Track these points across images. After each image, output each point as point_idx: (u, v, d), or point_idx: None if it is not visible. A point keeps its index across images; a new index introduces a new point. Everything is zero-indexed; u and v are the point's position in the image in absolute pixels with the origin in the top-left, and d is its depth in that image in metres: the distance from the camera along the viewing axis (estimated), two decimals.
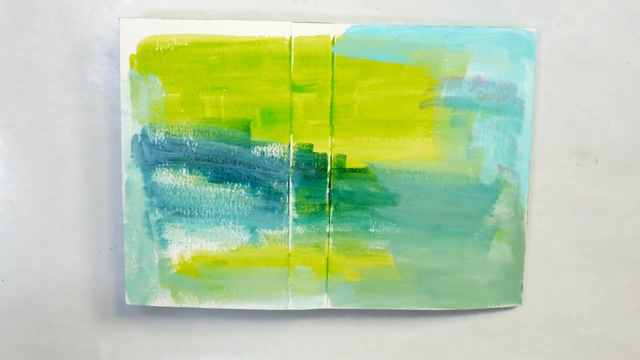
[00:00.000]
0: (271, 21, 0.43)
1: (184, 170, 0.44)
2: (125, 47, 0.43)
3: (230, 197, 0.45)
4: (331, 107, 0.44)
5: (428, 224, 0.45)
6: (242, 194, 0.44)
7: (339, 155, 0.44)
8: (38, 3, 0.45)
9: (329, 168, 0.45)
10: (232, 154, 0.44)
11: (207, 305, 0.46)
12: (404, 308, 0.46)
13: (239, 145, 0.44)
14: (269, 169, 0.44)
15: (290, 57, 0.43)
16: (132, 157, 0.44)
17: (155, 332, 0.49)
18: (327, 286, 0.46)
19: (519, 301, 0.46)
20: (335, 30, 0.44)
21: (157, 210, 0.45)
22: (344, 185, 0.45)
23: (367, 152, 0.45)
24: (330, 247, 0.46)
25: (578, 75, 0.46)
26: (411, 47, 0.44)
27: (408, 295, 0.46)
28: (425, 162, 0.45)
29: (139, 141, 0.44)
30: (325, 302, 0.46)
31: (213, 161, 0.44)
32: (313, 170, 0.44)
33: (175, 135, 0.44)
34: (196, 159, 0.44)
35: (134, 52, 0.43)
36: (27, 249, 0.48)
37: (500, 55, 0.44)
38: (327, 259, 0.46)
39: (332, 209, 0.45)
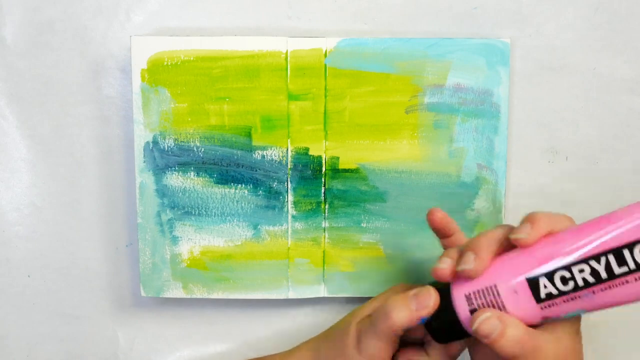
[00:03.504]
0: (269, 36, 0.44)
1: (192, 173, 0.45)
2: (137, 62, 0.44)
3: (235, 197, 0.46)
4: (325, 113, 0.45)
5: (415, 218, 0.46)
6: (245, 194, 0.46)
7: (332, 157, 0.46)
8: (57, 24, 0.46)
9: (323, 169, 0.46)
10: (235, 157, 0.45)
11: (214, 295, 0.47)
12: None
13: (242, 149, 0.45)
14: (269, 171, 0.45)
15: (286, 69, 0.44)
16: (144, 162, 0.45)
17: (168, 321, 0.50)
18: (324, 276, 0.47)
19: None
20: (327, 43, 0.44)
21: (168, 210, 0.46)
22: (337, 185, 0.46)
23: (358, 154, 0.45)
24: (326, 241, 0.46)
25: (548, 81, 0.47)
26: (396, 57, 0.44)
27: (397, 283, 0.45)
28: (411, 162, 0.46)
29: (151, 148, 0.45)
30: (322, 291, 0.47)
31: (218, 165, 0.45)
32: (309, 172, 0.46)
33: (183, 141, 0.45)
34: (203, 163, 0.45)
35: (145, 66, 0.44)
36: (51, 248, 0.48)
37: (478, 64, 0.44)
38: (324, 251, 0.47)
39: (327, 206, 0.46)
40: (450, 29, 0.46)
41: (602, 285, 0.33)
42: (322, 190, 0.46)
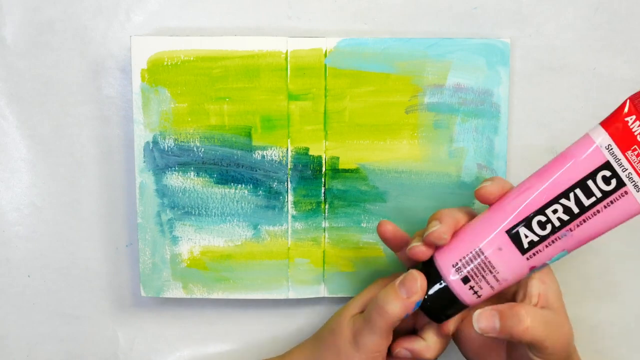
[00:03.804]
0: (269, 36, 0.44)
1: (192, 173, 0.45)
2: (137, 62, 0.44)
3: (235, 197, 0.46)
4: (325, 113, 0.45)
5: (415, 218, 0.46)
6: (245, 194, 0.46)
7: (332, 157, 0.46)
8: (57, 24, 0.46)
9: (323, 169, 0.46)
10: (235, 158, 0.45)
11: (214, 295, 0.47)
12: None
13: (242, 149, 0.45)
14: (269, 171, 0.46)
15: (286, 69, 0.44)
16: (144, 162, 0.45)
17: (168, 321, 0.49)
18: (324, 276, 0.47)
19: None
20: (327, 43, 0.44)
21: (168, 210, 0.46)
22: (337, 185, 0.46)
23: (358, 154, 0.46)
24: (326, 241, 0.46)
25: (548, 81, 0.47)
26: (396, 58, 0.44)
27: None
28: (411, 162, 0.46)
29: (151, 148, 0.45)
30: (322, 291, 0.47)
31: (218, 165, 0.45)
32: (309, 172, 0.46)
33: (183, 141, 0.45)
34: (203, 163, 0.45)
35: (145, 66, 0.44)
36: (51, 248, 0.48)
37: (478, 64, 0.45)
38: (324, 251, 0.47)
39: (327, 206, 0.46)
40: (450, 29, 0.46)
41: (577, 221, 0.35)
42: (322, 190, 0.46)
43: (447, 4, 0.46)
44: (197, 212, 0.46)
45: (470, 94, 0.45)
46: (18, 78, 0.47)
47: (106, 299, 0.49)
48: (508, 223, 0.36)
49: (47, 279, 0.49)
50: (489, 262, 0.36)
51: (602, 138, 0.35)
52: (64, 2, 0.46)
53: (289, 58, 0.44)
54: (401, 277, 0.37)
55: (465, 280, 0.36)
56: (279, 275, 0.47)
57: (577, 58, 0.47)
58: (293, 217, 0.46)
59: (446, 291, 0.37)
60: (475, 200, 0.45)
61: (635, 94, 0.35)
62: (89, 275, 0.49)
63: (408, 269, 0.38)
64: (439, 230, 0.36)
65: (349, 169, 0.46)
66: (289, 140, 0.45)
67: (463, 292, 0.36)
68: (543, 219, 0.35)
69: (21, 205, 0.48)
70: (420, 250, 0.37)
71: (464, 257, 0.36)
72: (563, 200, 0.35)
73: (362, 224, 0.46)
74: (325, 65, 0.45)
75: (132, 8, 0.46)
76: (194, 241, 0.46)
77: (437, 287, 0.37)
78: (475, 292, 0.37)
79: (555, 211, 0.35)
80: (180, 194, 0.46)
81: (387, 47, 0.45)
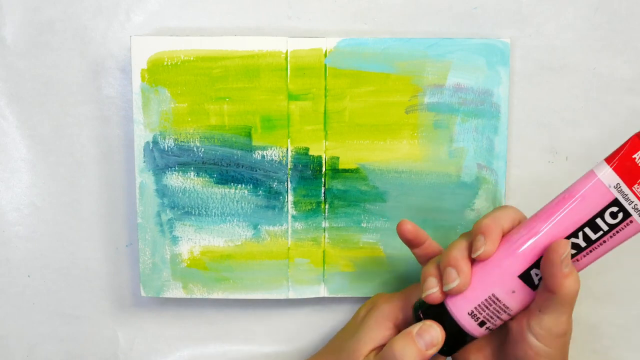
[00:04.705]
0: (268, 36, 0.44)
1: (192, 173, 0.45)
2: (137, 62, 0.44)
3: (235, 197, 0.46)
4: (325, 113, 0.45)
5: (415, 218, 0.46)
6: (245, 194, 0.46)
7: (332, 157, 0.46)
8: (57, 24, 0.46)
9: (323, 169, 0.46)
10: (235, 158, 0.45)
11: (214, 295, 0.47)
12: None
13: (242, 149, 0.45)
14: (269, 171, 0.46)
15: (286, 69, 0.44)
16: (144, 162, 0.45)
17: (168, 321, 0.50)
18: (324, 276, 0.47)
19: None
20: (327, 43, 0.44)
21: (168, 210, 0.46)
22: (337, 185, 0.46)
23: (358, 154, 0.46)
24: (326, 241, 0.46)
25: (548, 81, 0.47)
26: (396, 57, 0.44)
27: (398, 283, 0.47)
28: (411, 162, 0.46)
29: (151, 148, 0.45)
30: (322, 291, 0.47)
31: (218, 165, 0.45)
32: (309, 172, 0.46)
33: (183, 141, 0.45)
34: (203, 163, 0.45)
35: (145, 66, 0.44)
36: (51, 248, 0.48)
37: (478, 64, 0.45)
38: (324, 251, 0.47)
39: (327, 206, 0.46)
40: (450, 29, 0.46)
41: (583, 253, 0.36)
42: (322, 190, 0.46)
43: (447, 4, 0.46)
44: (197, 212, 0.46)
45: (470, 94, 0.45)
46: (18, 78, 0.47)
47: (106, 299, 0.49)
48: (520, 269, 0.36)
49: (47, 279, 0.49)
50: (504, 305, 0.36)
51: (611, 178, 0.35)
52: (64, 2, 0.46)
53: (289, 58, 0.44)
54: (419, 328, 0.37)
55: (482, 324, 0.37)
56: (279, 275, 0.47)
57: (577, 58, 0.47)
58: (293, 217, 0.46)
59: (461, 334, 0.37)
60: (475, 201, 0.46)
61: None
62: (89, 275, 0.49)
63: (423, 280, 0.38)
64: (461, 284, 0.36)
65: (349, 169, 0.46)
66: (289, 140, 0.45)
67: (478, 333, 0.37)
68: None
69: (21, 205, 0.48)
70: (436, 297, 0.37)
71: (480, 305, 0.37)
72: (572, 239, 0.36)
73: (362, 224, 0.47)
74: (325, 65, 0.45)
75: (132, 8, 0.46)
76: (194, 241, 0.46)
77: (453, 333, 0.37)
78: (488, 328, 0.37)
79: None
80: (180, 194, 0.46)
81: (387, 47, 0.45)
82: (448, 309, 0.37)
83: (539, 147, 0.48)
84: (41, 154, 0.48)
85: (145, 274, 0.46)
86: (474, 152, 0.46)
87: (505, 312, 0.36)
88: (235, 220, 0.46)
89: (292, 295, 0.47)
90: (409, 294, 0.42)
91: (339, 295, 0.48)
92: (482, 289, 0.36)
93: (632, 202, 0.35)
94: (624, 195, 0.35)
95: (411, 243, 0.41)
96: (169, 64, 0.44)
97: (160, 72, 0.44)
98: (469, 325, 0.37)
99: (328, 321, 0.50)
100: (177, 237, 0.46)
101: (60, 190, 0.48)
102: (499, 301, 0.36)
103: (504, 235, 0.37)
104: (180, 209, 0.46)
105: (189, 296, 0.47)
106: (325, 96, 0.45)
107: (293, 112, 0.45)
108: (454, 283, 0.36)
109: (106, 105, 0.47)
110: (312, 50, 0.45)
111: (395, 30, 0.46)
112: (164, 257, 0.46)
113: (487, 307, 0.36)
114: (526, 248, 0.36)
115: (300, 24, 0.46)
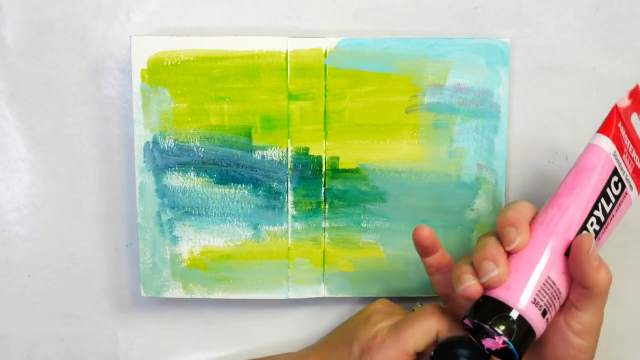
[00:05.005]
0: (268, 36, 0.44)
1: (192, 173, 0.45)
2: (137, 62, 0.44)
3: (235, 197, 0.46)
4: (325, 113, 0.45)
5: (415, 218, 0.46)
6: (245, 194, 0.46)
7: (332, 157, 0.46)
8: (57, 24, 0.46)
9: (323, 169, 0.46)
10: (235, 158, 0.45)
11: (214, 295, 0.47)
12: (394, 295, 0.47)
13: (242, 150, 0.45)
14: (269, 171, 0.46)
15: (286, 69, 0.44)
16: (144, 162, 0.45)
17: (168, 321, 0.50)
18: (324, 276, 0.47)
19: None
20: (327, 43, 0.44)
21: (168, 210, 0.46)
22: (337, 185, 0.46)
23: (358, 154, 0.46)
24: (326, 241, 0.46)
25: (548, 81, 0.47)
26: (396, 58, 0.44)
27: (398, 283, 0.47)
28: (411, 162, 0.46)
29: (151, 148, 0.45)
30: (322, 291, 0.47)
31: (218, 165, 0.45)
32: (309, 172, 0.46)
33: (183, 141, 0.45)
34: (203, 163, 0.45)
35: (145, 66, 0.44)
36: (51, 248, 0.48)
37: (478, 64, 0.45)
38: (324, 251, 0.47)
39: (327, 206, 0.46)
40: (450, 29, 0.46)
41: (603, 229, 0.37)
42: (322, 190, 0.46)
43: (447, 4, 0.46)
44: (197, 212, 0.46)
45: (470, 94, 0.45)
46: (18, 78, 0.47)
47: (106, 299, 0.49)
48: (565, 245, 0.36)
49: (47, 279, 0.49)
50: (557, 289, 0.35)
51: (610, 147, 0.36)
52: (64, 2, 0.46)
53: (289, 58, 0.44)
54: None
55: (544, 313, 0.35)
56: (279, 275, 0.47)
57: (577, 58, 0.47)
58: (293, 217, 0.46)
59: (529, 330, 0.35)
60: (475, 201, 0.46)
61: (621, 99, 0.37)
62: (89, 275, 0.49)
63: (456, 278, 0.36)
64: (503, 272, 0.34)
65: (349, 169, 0.46)
66: (289, 140, 0.45)
67: (540, 324, 0.35)
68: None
69: (21, 205, 0.48)
70: (476, 290, 0.35)
71: (540, 290, 0.35)
72: (595, 212, 0.36)
73: (362, 224, 0.47)
74: (325, 65, 0.45)
75: (132, 8, 0.46)
76: (194, 241, 0.46)
77: (520, 328, 0.34)
78: (547, 320, 0.35)
79: (592, 224, 0.36)
80: (180, 194, 0.46)
81: (387, 47, 0.45)
82: (510, 304, 0.34)
83: (539, 147, 0.48)
84: (41, 154, 0.48)
85: (145, 274, 0.46)
86: (474, 152, 0.46)
87: (558, 298, 0.35)
88: (235, 220, 0.46)
89: (292, 295, 0.47)
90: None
91: (339, 295, 0.48)
92: (536, 271, 0.35)
93: (625, 172, 0.36)
94: (619, 165, 0.36)
95: (426, 250, 0.40)
96: (169, 64, 0.44)
97: (160, 72, 0.44)
98: (533, 315, 0.34)
99: (328, 321, 0.50)
100: (177, 237, 0.46)
101: (60, 190, 0.48)
102: (555, 285, 0.35)
103: (530, 224, 0.37)
104: (180, 209, 0.46)
105: (189, 296, 0.47)
106: (325, 96, 0.45)
107: (293, 112, 0.45)
108: (493, 272, 0.34)
109: (106, 105, 0.47)
110: (312, 50, 0.45)
111: (395, 30, 0.46)
112: (164, 257, 0.46)
113: (545, 292, 0.35)
114: (564, 224, 0.36)
115: (300, 24, 0.46)
